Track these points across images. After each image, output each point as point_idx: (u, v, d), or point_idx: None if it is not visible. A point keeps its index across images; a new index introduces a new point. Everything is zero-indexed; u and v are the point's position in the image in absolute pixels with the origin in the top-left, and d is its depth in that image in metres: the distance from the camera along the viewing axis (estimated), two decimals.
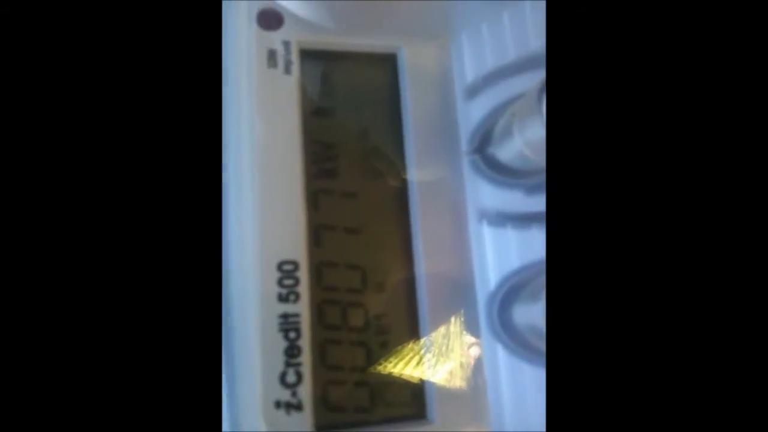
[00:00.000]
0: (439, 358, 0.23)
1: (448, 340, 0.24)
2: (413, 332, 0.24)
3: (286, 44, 0.25)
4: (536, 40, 0.25)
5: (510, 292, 0.24)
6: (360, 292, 0.24)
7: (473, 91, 0.26)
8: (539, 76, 0.22)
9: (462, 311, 0.24)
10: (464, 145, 0.25)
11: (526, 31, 0.25)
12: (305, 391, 0.22)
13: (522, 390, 0.23)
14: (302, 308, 0.22)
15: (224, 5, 0.24)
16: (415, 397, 0.23)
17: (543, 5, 0.25)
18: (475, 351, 0.24)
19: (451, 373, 0.23)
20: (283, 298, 0.22)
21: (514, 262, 0.24)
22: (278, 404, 0.21)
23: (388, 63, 0.26)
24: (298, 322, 0.22)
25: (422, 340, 0.23)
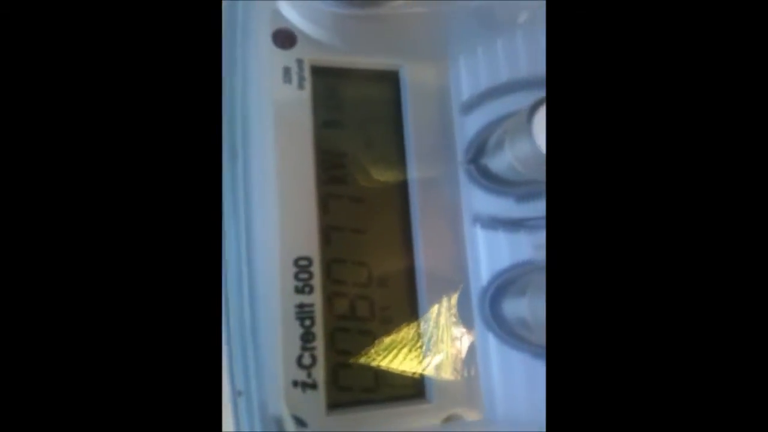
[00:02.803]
0: (436, 345, 0.26)
1: (445, 329, 0.26)
2: (413, 322, 0.26)
3: (299, 62, 0.27)
4: (526, 63, 0.28)
5: (500, 288, 0.26)
6: (366, 286, 0.26)
7: (469, 107, 0.28)
8: (529, 96, 0.25)
9: (457, 304, 0.26)
10: (460, 155, 0.28)
11: (517, 55, 0.28)
12: (319, 372, 0.24)
13: (510, 373, 0.25)
14: (316, 299, 0.25)
15: (241, 24, 0.27)
16: (415, 380, 0.26)
17: (533, 33, 0.28)
18: (469, 339, 0.26)
19: (447, 358, 0.26)
20: (299, 290, 0.25)
21: (505, 261, 0.26)
22: (295, 383, 0.24)
23: (391, 80, 0.29)
24: (312, 312, 0.25)
25: (421, 329, 0.26)
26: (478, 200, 0.27)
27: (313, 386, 0.24)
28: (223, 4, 0.27)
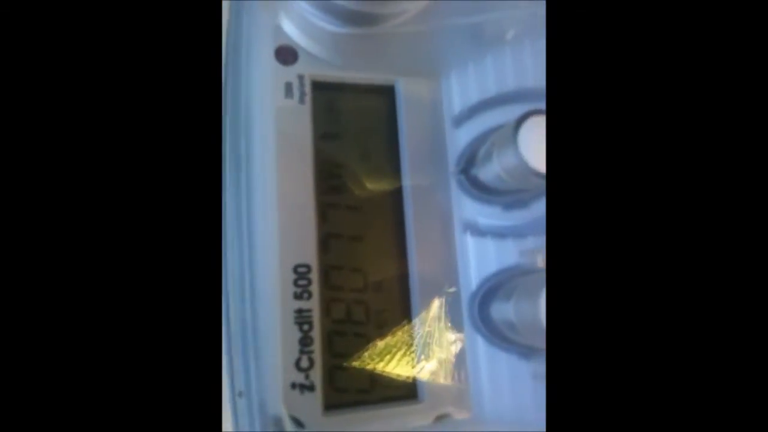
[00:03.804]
0: (428, 348, 0.27)
1: (436, 332, 0.27)
2: (407, 326, 0.27)
3: (301, 77, 0.28)
4: (513, 78, 0.29)
5: (488, 292, 0.27)
6: (362, 292, 0.27)
7: (460, 120, 0.29)
8: (516, 109, 0.26)
9: (448, 308, 0.28)
10: (451, 166, 0.29)
11: (505, 71, 0.29)
12: (316, 375, 0.25)
13: (497, 374, 0.27)
14: (314, 304, 0.26)
15: (245, 40, 0.28)
16: (407, 381, 0.27)
17: (520, 50, 0.29)
18: (458, 341, 0.27)
19: (438, 360, 0.27)
20: (298, 296, 0.26)
21: (492, 266, 0.28)
22: (294, 385, 0.25)
23: (386, 94, 0.30)
24: (310, 317, 0.26)
25: (414, 333, 0.27)
26: (468, 208, 0.28)
27: (311, 388, 0.25)
28: (228, 20, 0.28)
